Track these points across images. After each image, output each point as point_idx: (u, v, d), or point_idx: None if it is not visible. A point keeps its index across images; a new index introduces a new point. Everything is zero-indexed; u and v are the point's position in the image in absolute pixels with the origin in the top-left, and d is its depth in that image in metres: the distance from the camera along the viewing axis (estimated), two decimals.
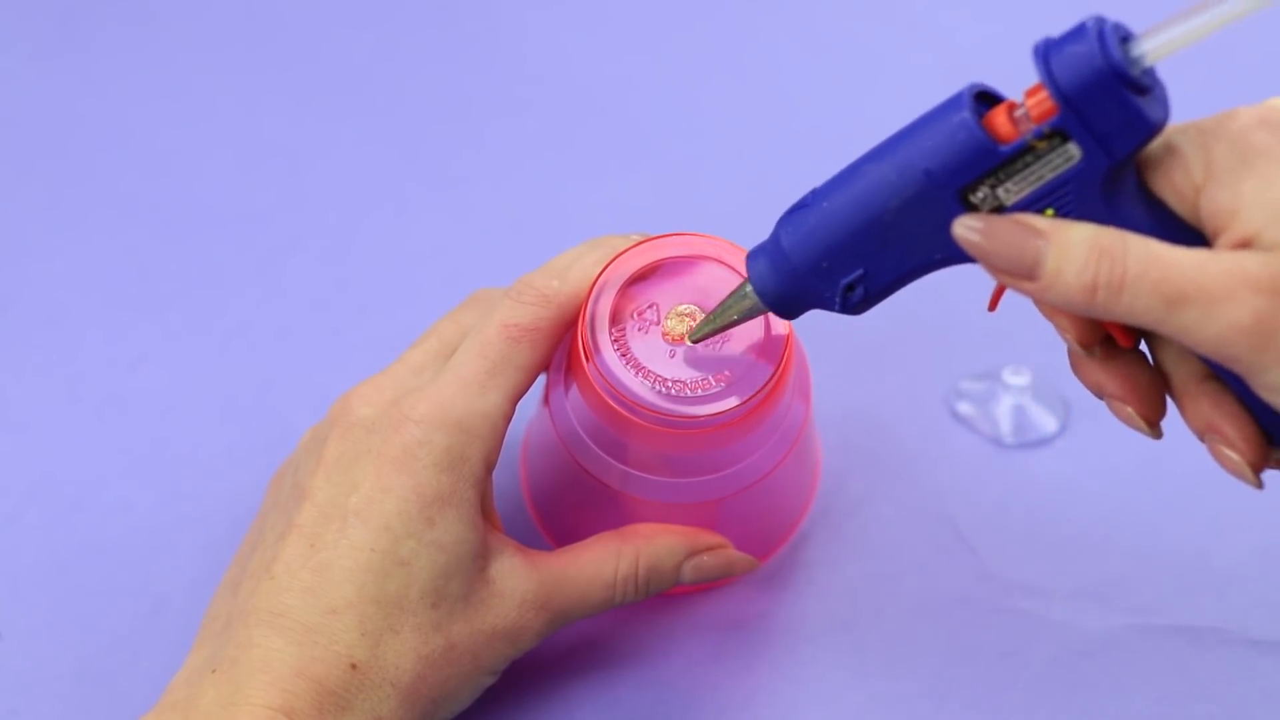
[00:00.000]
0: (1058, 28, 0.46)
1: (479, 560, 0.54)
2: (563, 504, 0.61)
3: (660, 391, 0.54)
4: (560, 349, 0.58)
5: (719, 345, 0.55)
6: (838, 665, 0.61)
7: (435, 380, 0.55)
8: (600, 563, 0.56)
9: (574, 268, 0.56)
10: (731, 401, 0.54)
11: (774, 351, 0.55)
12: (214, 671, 0.53)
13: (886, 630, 0.62)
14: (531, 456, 0.63)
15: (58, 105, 0.76)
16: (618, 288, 0.56)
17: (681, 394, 0.55)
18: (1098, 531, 0.64)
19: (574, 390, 0.57)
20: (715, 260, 0.56)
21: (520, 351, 0.55)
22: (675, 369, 0.55)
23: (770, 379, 0.55)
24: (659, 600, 0.62)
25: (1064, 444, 0.66)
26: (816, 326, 0.66)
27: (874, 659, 0.61)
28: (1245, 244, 0.45)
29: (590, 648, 0.62)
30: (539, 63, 0.78)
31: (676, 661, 0.61)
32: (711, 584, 0.62)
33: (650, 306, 0.56)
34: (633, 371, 0.55)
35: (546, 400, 0.59)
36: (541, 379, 0.60)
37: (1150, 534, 0.64)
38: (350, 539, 0.53)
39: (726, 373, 0.55)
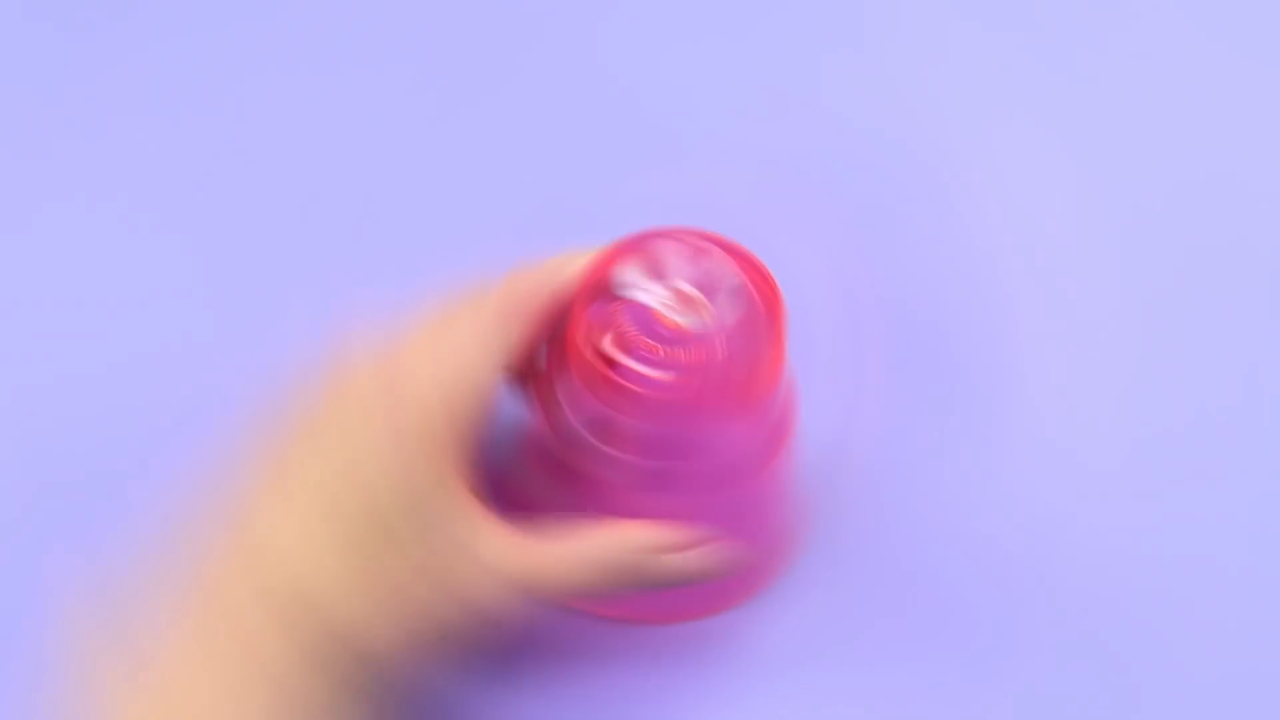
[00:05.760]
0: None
1: (456, 527, 0.55)
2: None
3: (652, 358, 0.55)
4: (555, 345, 0.58)
5: (715, 317, 0.56)
6: (837, 665, 0.61)
7: (426, 353, 0.56)
8: (583, 538, 0.57)
9: (565, 263, 0.58)
10: (722, 355, 0.55)
11: (772, 322, 0.56)
12: (195, 648, 0.53)
13: (886, 630, 0.62)
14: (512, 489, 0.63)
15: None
16: (608, 273, 0.56)
17: (676, 353, 0.55)
18: (1098, 531, 0.64)
19: (568, 382, 0.57)
20: (707, 246, 0.57)
21: (510, 329, 0.57)
22: (668, 339, 0.55)
23: (769, 330, 0.55)
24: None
25: (1065, 444, 0.67)
26: (815, 326, 0.66)
27: (873, 659, 0.61)
28: None
29: (580, 649, 0.62)
30: (543, 63, 0.78)
31: (668, 663, 0.61)
32: (710, 608, 0.62)
33: (643, 290, 0.56)
34: (626, 341, 0.55)
35: (539, 406, 0.59)
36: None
37: (1150, 534, 0.64)
38: (334, 507, 0.54)
39: (724, 340, 0.55)
